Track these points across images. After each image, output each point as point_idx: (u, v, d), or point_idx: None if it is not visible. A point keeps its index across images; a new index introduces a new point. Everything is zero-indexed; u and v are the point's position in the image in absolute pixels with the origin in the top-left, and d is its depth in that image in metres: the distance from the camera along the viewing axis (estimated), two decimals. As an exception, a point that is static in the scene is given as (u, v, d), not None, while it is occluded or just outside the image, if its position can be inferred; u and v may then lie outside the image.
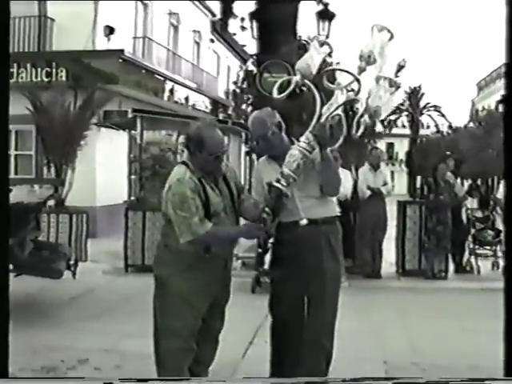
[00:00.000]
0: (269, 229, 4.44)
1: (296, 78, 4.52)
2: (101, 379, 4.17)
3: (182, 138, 13.44)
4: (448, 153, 14.86)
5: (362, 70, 4.44)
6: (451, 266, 11.45)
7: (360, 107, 4.39)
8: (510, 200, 3.88)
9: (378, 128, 29.71)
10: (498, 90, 54.58)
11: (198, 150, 4.30)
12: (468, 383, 4.00)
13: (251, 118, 4.74)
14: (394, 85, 4.49)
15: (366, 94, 4.41)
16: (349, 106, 4.67)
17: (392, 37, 4.45)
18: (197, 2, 27.07)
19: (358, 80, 4.39)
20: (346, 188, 9.64)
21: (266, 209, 4.36)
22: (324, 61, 4.55)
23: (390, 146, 69.26)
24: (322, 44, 4.56)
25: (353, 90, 4.47)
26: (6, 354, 3.68)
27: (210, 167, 4.36)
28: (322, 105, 4.45)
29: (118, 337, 6.60)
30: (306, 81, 4.50)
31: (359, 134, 4.47)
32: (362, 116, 4.41)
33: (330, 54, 4.58)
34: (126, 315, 7.65)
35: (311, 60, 4.47)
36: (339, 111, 4.45)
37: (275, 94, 4.64)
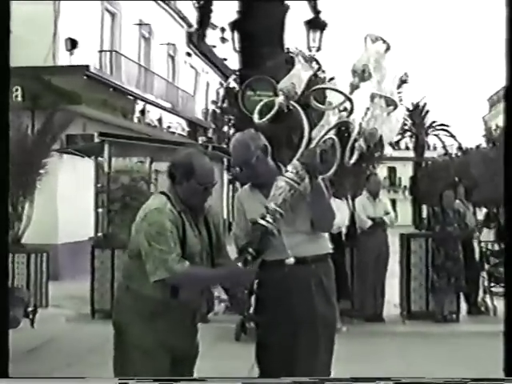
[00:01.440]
0: (255, 268, 4.40)
1: (279, 100, 4.51)
2: (101, 379, 4.15)
3: (155, 166, 13.49)
4: (457, 179, 14.93)
5: (354, 87, 4.42)
6: (463, 307, 11.47)
7: (354, 130, 4.36)
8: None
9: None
10: (512, 106, 55.07)
11: (185, 178, 4.27)
12: (468, 383, 4.03)
13: (232, 141, 4.72)
14: (392, 103, 4.49)
15: (362, 114, 4.41)
16: (344, 128, 4.67)
17: (388, 48, 4.45)
18: (171, 11, 27.28)
19: (349, 99, 4.38)
20: (340, 220, 9.66)
21: (250, 249, 4.27)
22: (311, 79, 4.56)
23: (392, 170, 69.49)
24: (308, 60, 4.57)
25: (346, 110, 4.46)
26: (6, 354, 3.83)
27: (195, 200, 4.34)
28: (311, 128, 4.45)
29: (84, 394, 6.55)
30: (292, 102, 4.51)
31: (353, 161, 4.45)
32: (355, 140, 4.39)
33: (318, 70, 4.60)
34: (92, 369, 7.60)
35: (297, 78, 4.47)
36: (331, 134, 4.45)
37: (256, 119, 4.63)
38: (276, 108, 4.53)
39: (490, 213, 27.86)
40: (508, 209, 3.92)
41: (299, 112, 4.50)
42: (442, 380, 4.17)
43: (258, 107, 4.67)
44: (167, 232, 4.16)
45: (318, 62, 4.38)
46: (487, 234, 15.91)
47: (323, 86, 4.69)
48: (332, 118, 4.47)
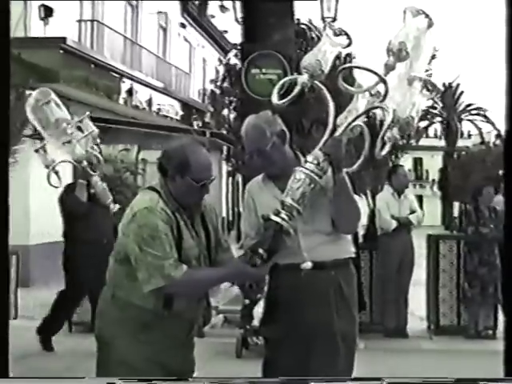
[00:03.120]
0: (264, 271, 4.39)
1: (303, 79, 4.50)
2: (101, 379, 4.18)
3: (143, 154, 13.51)
4: (498, 172, 14.91)
5: (390, 67, 4.38)
6: (501, 321, 11.48)
7: (387, 118, 4.34)
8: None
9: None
10: None
11: (179, 173, 4.25)
12: (468, 383, 4.08)
13: (245, 124, 4.72)
14: (434, 88, 4.48)
15: (395, 99, 4.37)
16: (372, 116, 4.64)
17: (431, 24, 4.41)
18: (162, -25, 27.27)
19: (384, 81, 4.35)
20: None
21: (261, 250, 4.24)
22: (339, 56, 4.55)
23: (418, 161, 69.57)
24: (337, 33, 4.55)
25: (378, 94, 4.42)
26: (6, 354, 4.01)
27: (190, 198, 4.33)
28: (337, 114, 4.44)
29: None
30: (316, 82, 4.50)
31: (384, 153, 4.43)
32: (388, 129, 4.37)
33: (348, 46, 4.57)
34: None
35: (323, 55, 4.46)
36: (360, 122, 4.45)
37: (274, 99, 4.62)
38: (299, 88, 4.52)
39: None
40: (508, 209, 3.95)
41: (323, 94, 4.49)
42: (441, 380, 4.20)
43: (277, 85, 4.67)
44: (161, 234, 4.16)
45: (348, 37, 4.33)
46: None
47: (354, 64, 4.66)
48: (361, 103, 4.46)
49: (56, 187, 9.55)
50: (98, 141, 9.58)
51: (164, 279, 4.13)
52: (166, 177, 4.34)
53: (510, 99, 3.86)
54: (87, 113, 9.58)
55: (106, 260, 4.40)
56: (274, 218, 4.27)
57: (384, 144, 4.41)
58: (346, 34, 4.55)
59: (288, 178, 4.39)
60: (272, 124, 4.62)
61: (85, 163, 9.12)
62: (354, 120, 4.42)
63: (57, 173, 9.60)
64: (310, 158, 4.39)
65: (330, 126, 4.42)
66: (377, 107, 4.47)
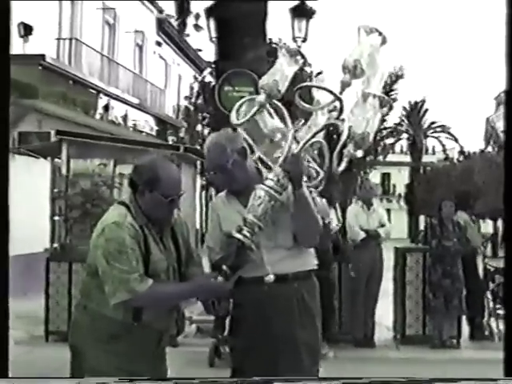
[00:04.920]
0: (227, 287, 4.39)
1: (260, 98, 4.51)
2: (101, 379, 4.15)
3: (119, 169, 13.47)
4: (459, 187, 15.01)
5: (346, 84, 4.40)
6: (465, 331, 11.52)
7: (342, 134, 4.33)
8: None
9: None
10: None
11: (148, 188, 4.23)
12: (467, 383, 4.08)
13: (207, 142, 4.71)
14: (386, 104, 4.50)
15: (350, 116, 4.38)
16: (332, 130, 4.66)
17: (384, 41, 4.43)
18: (139, -6, 27.28)
19: (339, 99, 4.36)
20: (328, 232, 9.71)
21: (224, 267, 4.26)
22: (296, 75, 4.56)
23: (386, 176, 69.88)
24: (292, 54, 4.55)
25: (336, 109, 4.44)
26: (6, 354, 3.95)
27: (158, 213, 4.30)
28: (295, 131, 4.46)
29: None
30: (274, 101, 4.51)
31: (341, 168, 4.45)
32: (344, 146, 4.39)
33: (304, 65, 4.59)
34: (46, 398, 7.57)
35: (280, 74, 4.47)
36: (320, 138, 4.45)
37: (233, 119, 4.63)
38: (256, 108, 4.53)
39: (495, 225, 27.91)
40: (508, 212, 3.96)
41: (283, 112, 4.50)
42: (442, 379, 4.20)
43: (235, 107, 4.66)
44: (127, 249, 4.14)
45: (303, 56, 4.33)
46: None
47: (310, 83, 4.68)
48: (320, 119, 4.47)
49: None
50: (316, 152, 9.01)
51: (129, 293, 4.12)
52: (136, 191, 4.32)
53: (509, 99, 3.88)
54: (302, 121, 8.85)
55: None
56: (235, 235, 4.28)
57: (341, 160, 4.43)
58: (302, 54, 4.57)
59: (250, 193, 4.39)
60: (233, 141, 4.60)
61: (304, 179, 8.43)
62: (312, 137, 4.43)
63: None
64: (270, 175, 4.39)
65: (289, 142, 4.42)
66: (332, 124, 4.46)
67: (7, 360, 3.91)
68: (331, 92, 4.39)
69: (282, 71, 4.48)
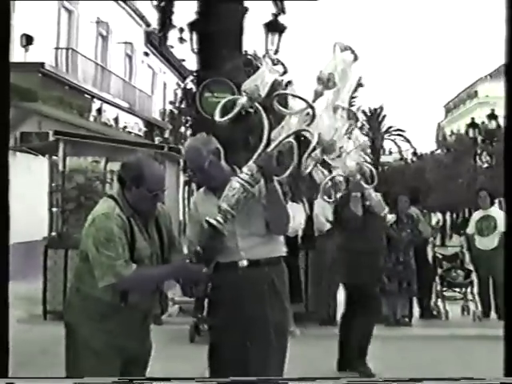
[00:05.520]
0: (209, 270, 4.41)
1: (242, 100, 4.52)
2: (101, 379, 4.13)
3: (110, 166, 13.42)
4: (412, 184, 15.08)
5: (318, 94, 4.45)
6: (416, 311, 11.58)
7: (312, 140, 4.38)
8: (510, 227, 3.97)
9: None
10: (469, 112, 55.81)
11: (134, 184, 4.25)
12: (467, 383, 4.08)
13: (185, 146, 4.79)
14: (353, 117, 4.53)
15: (320, 123, 4.40)
16: (303, 134, 4.68)
17: (356, 58, 4.48)
18: (129, 10, 27.14)
19: (312, 107, 4.39)
20: (296, 223, 9.69)
21: (198, 248, 4.31)
22: (275, 81, 4.57)
23: (348, 174, 69.90)
24: (275, 63, 4.59)
25: (308, 115, 4.46)
26: (6, 354, 3.89)
27: (144, 206, 4.31)
28: (271, 131, 4.47)
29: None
30: (254, 104, 4.52)
31: (308, 170, 4.49)
32: (313, 150, 4.41)
33: (283, 74, 4.60)
34: (44, 370, 7.53)
35: (261, 80, 4.48)
36: (291, 138, 4.47)
37: (217, 117, 4.62)
38: (238, 108, 4.54)
39: (444, 218, 27.99)
40: (508, 209, 3.96)
41: (261, 114, 4.51)
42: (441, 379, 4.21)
43: (219, 105, 4.66)
44: (115, 238, 4.16)
45: (284, 66, 4.37)
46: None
47: (288, 91, 4.68)
48: (293, 121, 4.49)
49: (328, 201, 8.21)
50: (368, 151, 8.49)
51: (115, 277, 4.14)
52: (123, 186, 4.33)
53: (509, 99, 3.88)
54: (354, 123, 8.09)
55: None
56: (210, 220, 4.29)
57: (308, 163, 4.49)
58: (282, 64, 4.60)
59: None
60: (207, 144, 4.65)
61: (358, 176, 7.75)
62: (284, 138, 4.45)
63: (334, 185, 7.92)
64: (245, 169, 4.41)
65: (264, 141, 4.44)
66: (303, 130, 4.48)
67: (7, 360, 3.88)
68: (306, 101, 4.42)
69: (263, 78, 4.49)
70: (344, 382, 4.16)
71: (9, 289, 3.93)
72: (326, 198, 8.66)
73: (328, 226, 10.91)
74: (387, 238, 9.83)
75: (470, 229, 12.17)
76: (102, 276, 4.16)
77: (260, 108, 4.53)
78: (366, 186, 7.89)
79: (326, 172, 7.73)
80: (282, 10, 14.15)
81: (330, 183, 7.63)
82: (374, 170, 7.93)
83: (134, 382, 4.19)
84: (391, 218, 8.34)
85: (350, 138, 7.22)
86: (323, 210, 11.05)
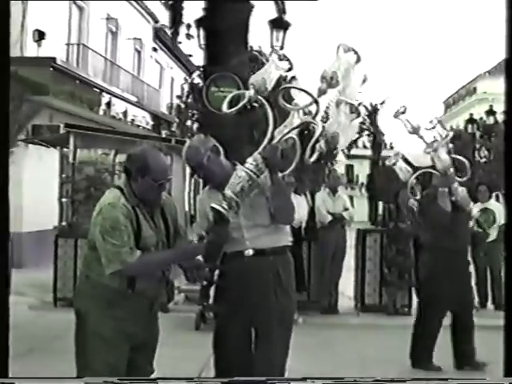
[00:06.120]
0: (216, 259, 4.43)
1: (249, 93, 4.53)
2: (101, 379, 4.15)
3: (119, 158, 13.43)
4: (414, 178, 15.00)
5: (322, 92, 4.46)
6: (415, 301, 11.58)
7: (316, 132, 4.40)
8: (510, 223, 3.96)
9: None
10: (467, 108, 55.72)
11: (140, 174, 4.26)
12: (467, 383, 4.09)
13: (184, 147, 4.78)
14: (355, 111, 4.55)
15: (324, 117, 4.44)
16: (305, 129, 4.70)
17: (359, 59, 4.50)
18: (138, 7, 27.12)
19: (316, 102, 4.41)
20: (300, 215, 9.71)
21: (203, 232, 4.38)
22: (281, 77, 4.58)
23: (350, 168, 69.81)
24: (281, 58, 4.59)
25: (310, 113, 4.49)
26: (6, 354, 3.82)
27: (149, 195, 4.33)
28: (275, 125, 4.48)
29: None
30: (260, 97, 4.53)
31: (312, 159, 4.50)
32: (317, 141, 4.44)
33: (289, 70, 4.61)
34: (56, 354, 7.56)
35: (268, 75, 4.49)
36: (293, 134, 4.49)
37: (224, 109, 4.65)
38: (245, 100, 4.56)
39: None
40: (508, 206, 3.96)
41: (266, 107, 4.52)
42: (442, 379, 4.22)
43: (227, 98, 4.68)
44: (121, 226, 4.17)
45: (290, 62, 4.38)
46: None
47: (294, 86, 4.70)
48: (296, 119, 4.51)
49: (415, 199, 7.98)
50: (450, 146, 7.94)
51: (121, 264, 4.16)
52: (129, 177, 4.34)
53: (509, 99, 3.88)
54: (436, 118, 7.65)
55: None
56: (215, 206, 4.31)
57: (313, 152, 4.48)
58: (288, 60, 4.60)
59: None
60: (205, 143, 4.68)
61: (451, 169, 7.37)
62: (289, 132, 4.48)
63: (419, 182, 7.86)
64: (250, 159, 4.43)
65: (269, 134, 4.46)
66: (309, 122, 4.50)
67: (7, 360, 3.82)
68: (311, 95, 4.42)
69: (270, 72, 4.51)
70: (344, 382, 4.15)
71: (10, 287, 3.90)
72: (410, 195, 8.15)
73: (329, 217, 10.95)
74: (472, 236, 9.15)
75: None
76: (108, 263, 4.18)
77: (265, 102, 4.54)
78: (457, 179, 7.49)
79: (409, 169, 7.60)
80: (282, 11, 14.13)
81: (414, 181, 7.50)
82: (467, 162, 7.64)
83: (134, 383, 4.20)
84: (477, 213, 8.04)
85: (429, 129, 7.28)
86: (324, 203, 11.09)
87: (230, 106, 4.66)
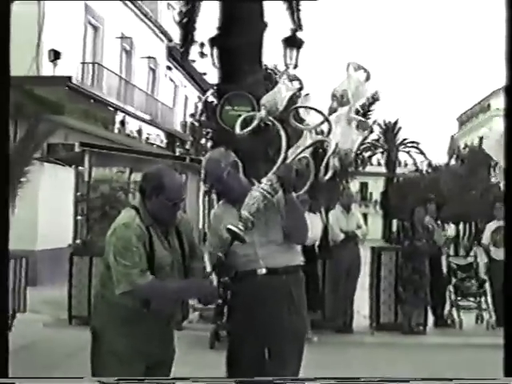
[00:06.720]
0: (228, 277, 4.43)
1: (260, 114, 4.54)
2: (101, 379, 4.15)
3: (134, 176, 13.48)
4: (432, 196, 14.96)
5: (333, 110, 4.49)
6: (430, 320, 11.53)
7: (329, 149, 4.43)
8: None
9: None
10: (482, 124, 55.63)
11: (154, 193, 4.27)
12: (468, 383, 4.05)
13: (204, 159, 4.78)
14: (367, 128, 4.57)
15: (336, 135, 4.45)
16: (319, 147, 4.71)
17: (369, 77, 4.51)
18: (152, 26, 27.27)
19: (328, 121, 4.42)
20: (314, 233, 9.69)
21: (220, 254, 4.36)
22: (292, 97, 4.60)
23: (364, 185, 69.80)
24: (291, 79, 4.61)
25: (322, 132, 4.51)
26: (6, 354, 3.86)
27: (163, 214, 4.33)
28: (289, 145, 4.49)
29: (60, 398, 6.51)
30: (272, 118, 4.54)
31: (327, 177, 4.51)
32: (330, 158, 4.45)
33: (300, 90, 4.64)
34: (70, 373, 7.56)
35: (279, 95, 4.51)
36: (307, 154, 4.50)
37: (237, 130, 4.66)
38: (257, 122, 4.57)
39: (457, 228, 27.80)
40: (508, 210, 3.94)
41: (278, 128, 4.53)
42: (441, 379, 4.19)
43: (239, 119, 4.70)
44: (132, 247, 4.18)
45: (300, 82, 4.41)
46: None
47: (305, 105, 4.71)
48: (308, 140, 4.52)
49: None
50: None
51: (130, 285, 4.16)
52: (144, 196, 4.36)
53: (509, 100, 3.87)
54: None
55: None
56: (231, 227, 4.33)
57: (327, 170, 4.49)
58: (299, 80, 4.62)
59: (244, 200, 4.43)
60: (226, 157, 4.67)
61: None
62: (302, 151, 4.49)
63: None
64: (264, 180, 4.44)
65: (283, 154, 4.48)
66: (322, 140, 4.52)
67: (7, 360, 3.86)
68: (322, 114, 4.45)
69: (281, 93, 4.52)
70: (345, 382, 4.14)
71: (9, 279, 3.94)
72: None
73: (342, 236, 10.94)
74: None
75: (485, 239, 12.12)
76: (118, 284, 4.19)
77: (276, 122, 4.56)
78: None
79: None
80: (299, 27, 14.18)
81: None
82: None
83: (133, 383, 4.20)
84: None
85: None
86: (338, 221, 11.08)
87: (243, 126, 4.67)
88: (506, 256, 3.94)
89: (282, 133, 4.51)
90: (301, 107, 4.73)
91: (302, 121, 4.66)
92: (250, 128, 4.62)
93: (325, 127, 4.46)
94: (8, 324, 3.73)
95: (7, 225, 3.94)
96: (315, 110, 4.51)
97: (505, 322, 3.90)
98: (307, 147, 4.48)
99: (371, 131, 4.65)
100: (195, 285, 4.41)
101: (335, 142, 4.43)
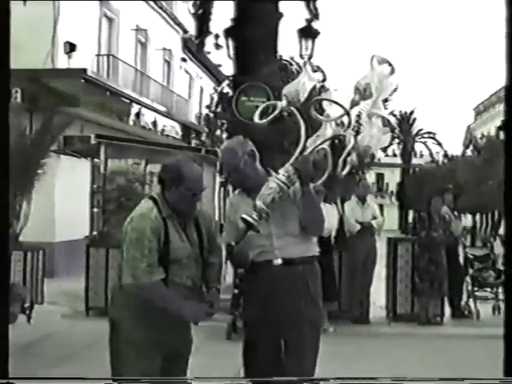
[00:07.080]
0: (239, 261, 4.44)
1: (282, 104, 4.53)
2: (101, 379, 4.18)
3: (150, 168, 13.52)
4: (449, 186, 14.91)
5: (355, 103, 4.44)
6: (447, 310, 11.50)
7: (348, 145, 4.41)
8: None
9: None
10: (498, 115, 55.26)
11: (174, 184, 4.26)
12: (468, 383, 4.04)
13: (221, 148, 4.80)
14: (388, 125, 4.53)
15: (356, 130, 4.42)
16: (337, 141, 4.69)
17: (393, 71, 4.45)
18: (167, 18, 27.27)
19: (348, 114, 4.38)
20: (330, 224, 9.68)
21: (233, 243, 4.40)
22: (314, 88, 4.57)
23: (380, 176, 69.61)
24: (315, 70, 4.59)
25: (342, 124, 4.46)
26: (6, 354, 3.82)
27: (183, 205, 4.32)
28: (307, 137, 4.47)
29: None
30: (293, 108, 4.52)
31: (344, 173, 4.50)
32: (349, 154, 4.43)
33: (323, 82, 4.63)
34: (87, 363, 7.61)
35: (301, 86, 4.48)
36: (325, 145, 4.48)
37: (256, 119, 4.65)
38: (278, 111, 4.56)
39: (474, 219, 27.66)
40: (508, 210, 3.93)
41: (297, 117, 4.52)
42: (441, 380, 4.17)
43: (259, 109, 4.68)
44: (145, 239, 4.16)
45: (323, 74, 4.41)
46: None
47: (326, 97, 4.68)
48: (328, 131, 4.49)
49: None
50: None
51: (132, 278, 4.17)
52: (163, 187, 4.35)
53: (509, 100, 3.85)
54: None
55: None
56: (245, 217, 4.33)
57: (345, 165, 4.49)
58: (322, 72, 4.60)
59: (260, 190, 4.42)
60: (243, 145, 4.66)
61: None
62: (321, 143, 4.46)
63: None
64: (282, 171, 4.42)
65: (301, 145, 4.45)
66: (341, 135, 4.49)
67: (7, 360, 3.83)
68: (343, 107, 4.40)
69: (303, 83, 4.49)
70: (345, 381, 4.13)
71: (9, 279, 3.95)
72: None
73: (358, 226, 10.92)
74: None
75: (502, 229, 12.08)
76: (122, 274, 4.23)
77: (297, 113, 4.52)
78: None
79: None
80: (315, 16, 14.11)
81: None
82: None
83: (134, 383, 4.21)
84: None
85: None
86: (353, 212, 11.07)
87: (262, 116, 4.66)
88: (506, 256, 3.90)
89: (302, 123, 4.47)
90: (322, 99, 4.70)
91: (322, 112, 4.63)
92: (270, 117, 4.61)
93: (345, 120, 4.41)
94: (7, 324, 3.72)
95: (7, 225, 3.94)
96: (336, 103, 4.47)
97: (505, 322, 3.87)
98: (327, 140, 4.46)
99: (393, 129, 4.61)
100: (186, 307, 4.31)
101: (354, 137, 4.40)
